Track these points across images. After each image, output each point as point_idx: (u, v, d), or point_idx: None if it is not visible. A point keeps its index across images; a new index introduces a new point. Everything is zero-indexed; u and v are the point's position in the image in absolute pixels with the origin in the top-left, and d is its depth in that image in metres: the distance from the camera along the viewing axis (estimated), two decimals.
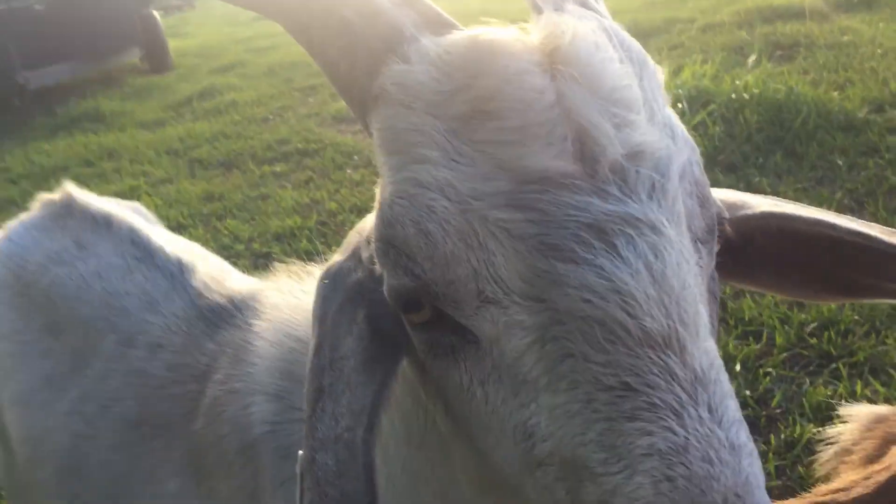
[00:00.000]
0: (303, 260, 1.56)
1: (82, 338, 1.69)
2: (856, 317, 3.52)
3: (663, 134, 0.74)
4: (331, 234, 5.40)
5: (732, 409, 0.65)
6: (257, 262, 5.21)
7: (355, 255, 0.91)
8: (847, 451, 1.16)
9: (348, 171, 6.57)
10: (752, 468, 0.62)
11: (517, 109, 0.71)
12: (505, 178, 0.70)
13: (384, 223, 0.78)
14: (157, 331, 1.61)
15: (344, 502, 0.76)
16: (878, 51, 6.88)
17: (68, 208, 1.88)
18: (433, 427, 0.91)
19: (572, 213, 0.67)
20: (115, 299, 1.70)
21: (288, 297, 1.38)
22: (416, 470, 0.98)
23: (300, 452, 0.82)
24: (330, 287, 0.89)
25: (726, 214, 0.82)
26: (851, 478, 1.06)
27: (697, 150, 0.80)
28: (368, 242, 0.88)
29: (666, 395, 0.62)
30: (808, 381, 3.28)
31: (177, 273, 1.71)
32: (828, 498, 1.02)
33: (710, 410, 0.62)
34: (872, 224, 0.92)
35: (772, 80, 6.18)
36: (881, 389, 3.12)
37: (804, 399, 3.16)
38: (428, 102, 0.75)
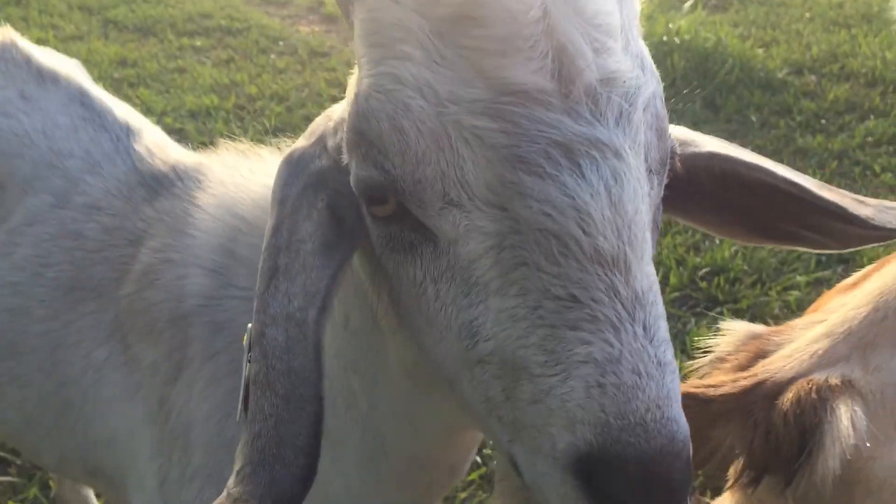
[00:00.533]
0: (215, 142, 1.55)
1: (18, 197, 1.60)
2: (745, 267, 3.72)
3: (635, 64, 0.77)
4: (248, 118, 5.27)
5: (663, 329, 0.71)
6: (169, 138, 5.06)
7: (320, 141, 0.90)
8: (721, 360, 1.27)
9: (272, 56, 6.37)
10: (674, 384, 0.68)
11: (504, 20, 0.71)
12: (483, 86, 0.72)
13: (358, 115, 0.78)
14: (97, 192, 1.54)
15: (291, 377, 0.78)
16: (807, 14, 7.06)
17: (9, 52, 1.77)
18: (372, 317, 0.94)
19: (544, 129, 0.70)
20: (58, 159, 1.61)
21: (234, 174, 1.35)
22: (349, 356, 1.02)
23: (249, 325, 0.84)
24: (292, 171, 0.89)
25: (678, 150, 0.86)
26: (721, 379, 1.16)
27: (661, 84, 0.83)
28: (336, 131, 0.89)
29: (608, 311, 0.67)
30: (693, 321, 3.49)
31: (122, 136, 1.64)
32: (698, 390, 1.13)
33: (644, 328, 0.68)
34: (807, 176, 0.97)
35: (703, 28, 6.28)
36: None
37: (686, 337, 3.36)
38: (416, 0, 0.74)
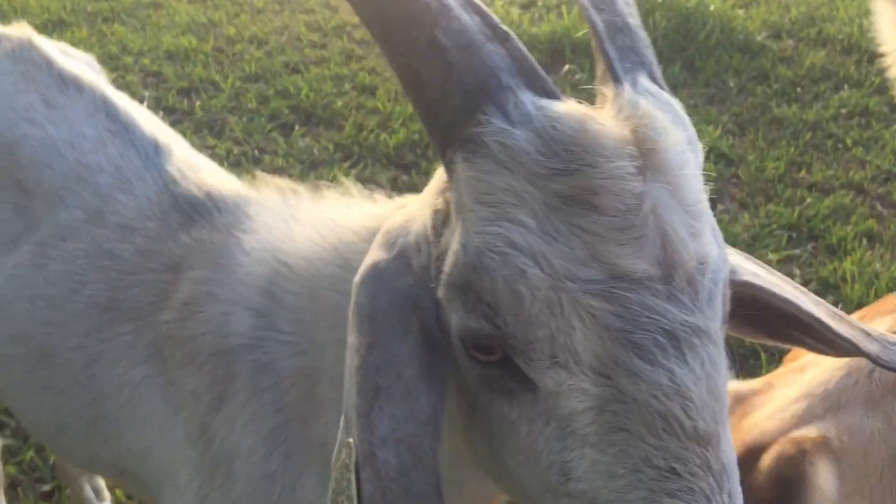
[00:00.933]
0: (197, 88, 1.56)
1: (46, 208, 1.61)
2: None
3: (718, 243, 0.84)
4: (227, 62, 5.19)
5: (738, 493, 0.79)
6: (147, 81, 4.98)
7: (402, 257, 0.92)
8: None
9: None
10: None
11: (618, 210, 0.77)
12: (598, 268, 0.77)
13: (469, 269, 0.81)
14: (130, 212, 1.54)
15: (408, 498, 0.82)
16: None
17: (27, 53, 1.74)
18: (455, 434, 0.97)
19: (654, 316, 0.77)
20: (88, 173, 1.60)
21: (279, 219, 1.37)
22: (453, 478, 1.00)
23: (350, 440, 0.85)
24: (379, 285, 0.90)
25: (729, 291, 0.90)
26: None
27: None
28: (419, 250, 0.92)
29: (702, 483, 0.75)
30: None
31: (152, 154, 1.63)
32: None
33: (729, 496, 0.77)
34: (824, 303, 1.06)
35: None
36: None
37: None
38: (530, 172, 0.78)
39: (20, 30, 1.81)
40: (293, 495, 1.23)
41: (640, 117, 0.81)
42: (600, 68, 0.90)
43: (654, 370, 0.76)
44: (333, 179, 4.25)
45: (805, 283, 3.71)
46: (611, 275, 0.77)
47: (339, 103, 4.86)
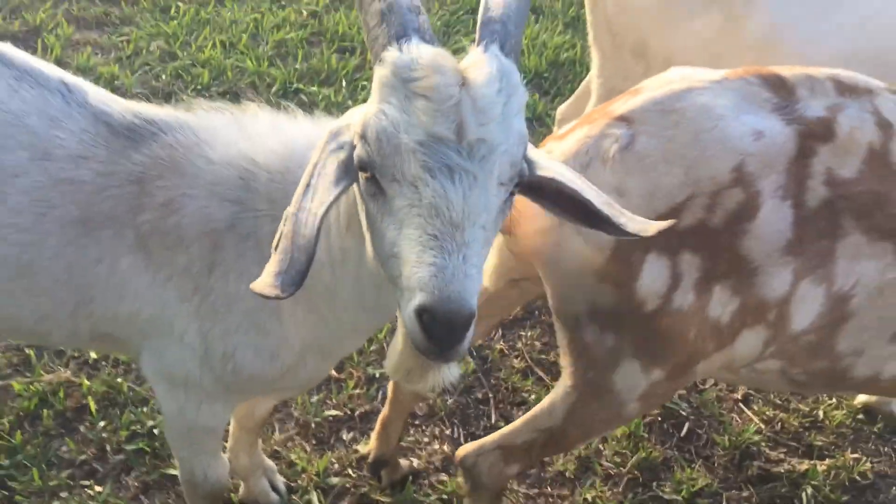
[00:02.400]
0: None
1: None
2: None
3: (502, 132, 1.38)
4: None
5: (474, 258, 1.33)
6: None
7: (347, 128, 1.49)
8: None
9: None
10: (472, 285, 1.31)
11: (440, 100, 1.35)
12: (422, 130, 1.35)
13: (365, 124, 1.40)
14: (73, 144, 1.79)
15: (303, 236, 1.38)
16: None
17: None
18: (357, 227, 1.56)
19: (443, 157, 1.34)
20: (15, 119, 1.79)
21: (234, 135, 1.80)
22: (347, 244, 1.64)
23: (287, 210, 1.42)
24: (331, 137, 1.49)
25: (526, 175, 1.47)
26: None
27: (526, 141, 1.46)
28: (349, 126, 1.48)
29: (448, 245, 1.31)
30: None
31: (65, 92, 1.84)
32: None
33: (464, 258, 1.31)
34: (599, 192, 1.59)
35: None
36: None
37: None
38: (402, 77, 1.37)
39: None
40: (279, 318, 1.81)
41: (473, 61, 1.41)
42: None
43: (435, 183, 1.34)
44: (42, 25, 4.36)
45: None
46: (427, 134, 1.35)
47: None
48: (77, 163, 1.79)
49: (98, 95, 1.88)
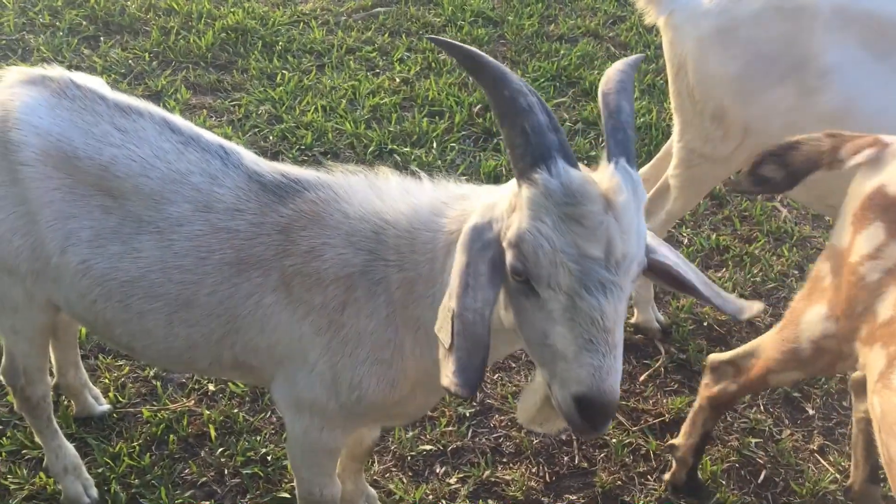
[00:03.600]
0: None
1: (152, 206, 2.10)
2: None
3: (637, 243, 1.62)
4: None
5: (620, 355, 1.59)
6: None
7: (489, 225, 1.71)
8: None
9: None
10: (619, 378, 1.59)
11: (593, 227, 1.56)
12: (575, 249, 1.56)
13: (519, 238, 1.61)
14: (230, 199, 2.10)
15: (476, 334, 1.62)
16: None
17: (74, 91, 2.21)
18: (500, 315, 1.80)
19: (595, 274, 1.57)
20: (181, 176, 2.11)
21: (370, 195, 2.06)
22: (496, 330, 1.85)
23: (451, 305, 1.64)
24: (475, 235, 1.70)
25: (645, 265, 1.69)
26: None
27: (645, 237, 1.68)
28: (497, 222, 1.70)
29: (603, 348, 1.56)
30: (481, 155, 4.68)
31: (224, 155, 2.17)
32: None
33: (614, 357, 1.57)
34: (702, 276, 1.86)
35: None
36: None
37: (480, 168, 4.54)
38: (555, 201, 1.58)
39: (59, 72, 2.27)
40: (402, 352, 2.04)
41: (613, 183, 1.61)
42: (606, 148, 1.70)
43: (591, 298, 1.57)
44: (163, 90, 4.75)
45: (573, 124, 4.98)
46: (580, 253, 1.57)
47: (133, 7, 5.29)
48: (233, 214, 2.10)
49: (251, 158, 2.20)
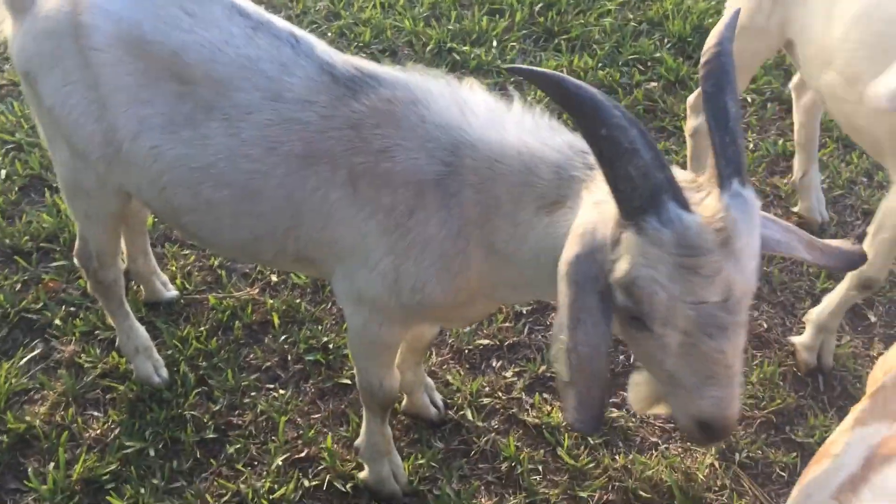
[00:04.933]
0: None
1: (221, 93, 2.06)
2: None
3: (753, 276, 1.53)
4: None
5: (739, 382, 1.57)
6: None
7: (591, 253, 1.59)
8: None
9: None
10: (738, 402, 1.60)
11: (711, 275, 1.47)
12: (693, 296, 1.48)
13: (629, 282, 1.52)
14: (300, 90, 2.02)
15: (593, 369, 1.59)
16: None
17: None
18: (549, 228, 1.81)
19: (715, 318, 1.49)
20: (251, 62, 2.05)
21: (453, 107, 1.97)
22: (542, 246, 1.84)
23: (563, 338, 1.59)
24: (576, 269, 1.59)
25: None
26: None
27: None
28: (601, 251, 1.58)
29: (725, 381, 1.54)
30: (542, 55, 4.59)
31: (295, 43, 2.09)
32: None
33: (734, 386, 1.55)
34: (804, 234, 1.80)
35: None
36: (590, 61, 4.49)
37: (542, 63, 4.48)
38: (667, 250, 1.47)
39: None
40: (468, 265, 1.99)
41: (731, 221, 1.49)
42: (713, 165, 1.55)
43: (712, 342, 1.51)
44: None
45: (638, 23, 4.83)
46: (698, 299, 1.48)
47: None
48: (303, 105, 2.03)
49: (323, 47, 2.12)
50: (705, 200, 1.51)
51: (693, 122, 3.56)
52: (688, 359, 1.53)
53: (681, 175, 1.59)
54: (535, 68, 1.61)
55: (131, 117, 2.16)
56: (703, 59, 1.60)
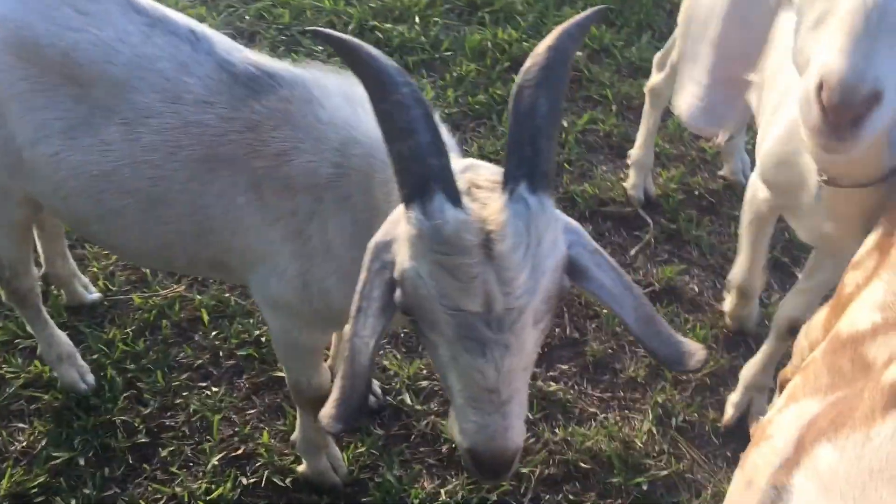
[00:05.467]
0: None
1: (118, 95, 1.97)
2: None
3: (531, 293, 1.36)
4: None
5: (514, 413, 1.40)
6: None
7: (389, 243, 1.48)
8: None
9: None
10: (514, 436, 1.41)
11: (465, 279, 1.34)
12: (450, 301, 1.35)
13: (401, 276, 1.41)
14: (200, 90, 1.94)
15: (358, 364, 1.47)
16: None
17: None
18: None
19: (474, 332, 1.35)
20: (147, 62, 1.96)
21: (344, 102, 1.89)
22: None
23: (349, 331, 1.48)
24: (376, 254, 1.49)
25: (569, 289, 1.47)
26: None
27: (562, 266, 1.44)
28: (393, 244, 1.47)
29: (488, 407, 1.38)
30: (465, 29, 4.50)
31: (193, 40, 2.00)
32: None
33: (503, 416, 1.39)
34: (644, 305, 1.55)
35: None
36: (514, 33, 4.41)
37: (465, 43, 4.34)
38: (426, 244, 1.36)
39: None
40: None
41: (498, 224, 1.35)
42: (504, 167, 1.42)
43: (468, 357, 1.38)
44: None
45: None
46: (455, 306, 1.36)
47: None
48: (203, 107, 1.95)
49: (223, 44, 2.04)
50: (488, 201, 1.39)
51: (652, 79, 3.56)
52: (455, 373, 1.40)
53: (485, 171, 1.50)
54: (334, 33, 1.49)
55: (28, 124, 2.06)
56: (532, 53, 1.44)
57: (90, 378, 2.82)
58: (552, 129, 1.40)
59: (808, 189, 2.08)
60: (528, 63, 1.42)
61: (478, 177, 1.46)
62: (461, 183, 1.42)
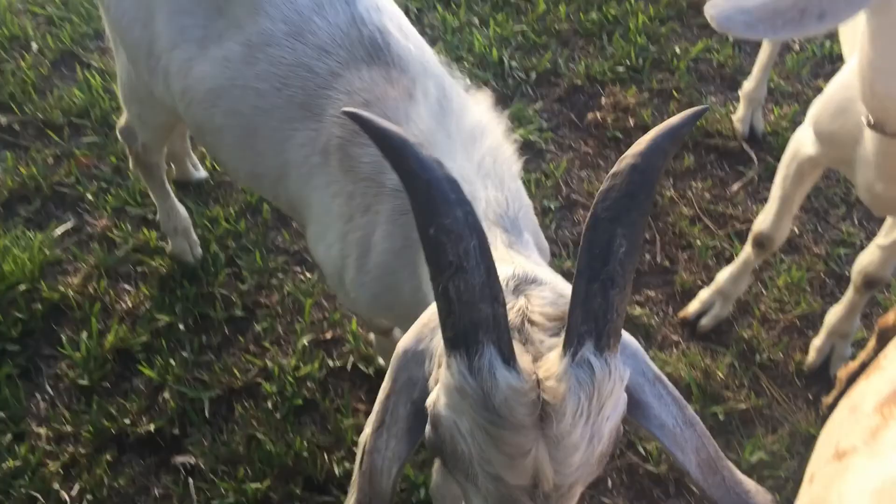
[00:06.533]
0: None
1: (251, 16, 1.94)
2: None
3: (583, 467, 1.14)
4: None
5: None
6: None
7: (421, 355, 1.29)
8: None
9: None
10: None
11: (514, 455, 1.10)
12: (494, 470, 1.12)
13: (436, 420, 1.17)
14: (324, 36, 1.89)
15: (377, 489, 1.28)
16: None
17: None
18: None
19: (518, 502, 1.13)
20: None
21: (435, 118, 1.72)
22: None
23: (366, 430, 1.31)
24: (402, 365, 1.30)
25: (622, 432, 1.21)
26: None
27: (621, 419, 1.18)
28: (423, 357, 1.29)
29: None
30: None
31: None
32: None
33: None
34: (706, 446, 1.33)
35: None
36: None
37: None
38: (470, 405, 1.10)
39: None
40: (399, 288, 1.78)
41: (557, 397, 1.09)
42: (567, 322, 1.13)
43: None
44: None
45: None
46: (498, 475, 1.13)
47: None
48: (319, 53, 1.89)
49: (371, 1, 1.95)
50: (547, 355, 1.15)
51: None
52: None
53: (540, 299, 1.25)
54: (374, 120, 1.18)
55: (173, 27, 2.07)
56: (614, 170, 1.13)
57: (198, 251, 2.96)
58: (628, 276, 1.12)
59: (864, 143, 2.00)
60: (607, 184, 1.12)
61: (532, 307, 1.23)
62: (512, 315, 1.19)
